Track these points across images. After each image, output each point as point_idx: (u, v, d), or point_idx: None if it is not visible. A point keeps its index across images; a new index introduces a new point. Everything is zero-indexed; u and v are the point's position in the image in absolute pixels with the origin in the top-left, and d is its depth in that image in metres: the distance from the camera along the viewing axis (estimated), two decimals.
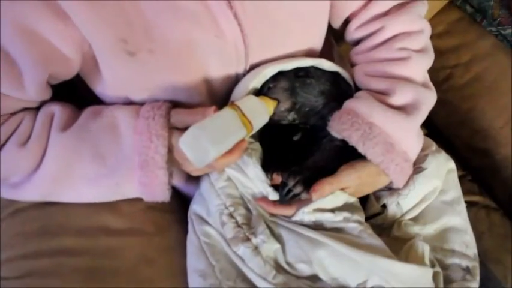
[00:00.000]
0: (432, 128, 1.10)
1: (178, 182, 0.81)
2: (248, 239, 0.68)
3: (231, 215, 0.71)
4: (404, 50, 0.75)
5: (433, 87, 0.77)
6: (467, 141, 1.09)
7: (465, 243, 0.75)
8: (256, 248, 0.68)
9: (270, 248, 0.67)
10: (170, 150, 0.67)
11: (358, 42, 0.82)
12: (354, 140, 0.68)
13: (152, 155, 0.67)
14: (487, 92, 1.08)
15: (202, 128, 0.59)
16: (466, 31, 1.15)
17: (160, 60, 0.66)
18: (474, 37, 1.14)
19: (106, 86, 0.72)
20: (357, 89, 0.77)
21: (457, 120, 1.10)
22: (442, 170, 0.78)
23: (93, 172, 0.69)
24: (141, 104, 0.71)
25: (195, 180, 0.80)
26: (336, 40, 1.01)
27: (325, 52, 0.85)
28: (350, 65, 0.84)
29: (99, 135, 0.69)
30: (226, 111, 0.63)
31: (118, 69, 0.68)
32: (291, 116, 0.72)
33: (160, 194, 0.70)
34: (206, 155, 0.59)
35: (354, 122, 0.68)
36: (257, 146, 0.75)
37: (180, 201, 0.83)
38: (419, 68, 0.76)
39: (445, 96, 0.93)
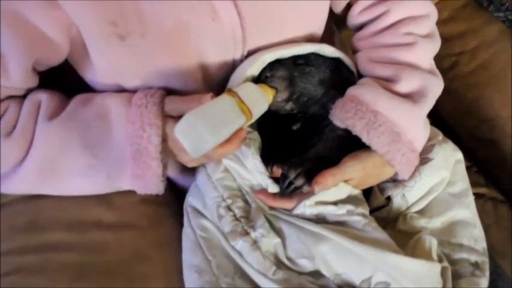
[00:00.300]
0: (436, 117, 1.08)
1: (173, 173, 0.79)
2: (247, 233, 0.66)
3: (228, 208, 0.69)
4: (410, 35, 0.73)
5: (439, 74, 0.75)
6: (473, 131, 1.07)
7: (474, 237, 0.73)
8: (255, 243, 0.66)
9: (270, 242, 0.66)
10: (164, 139, 0.65)
11: (361, 27, 0.80)
12: (358, 129, 0.66)
13: (145, 145, 0.64)
14: (494, 80, 1.05)
15: (198, 115, 0.56)
16: (472, 17, 1.13)
17: (152, 45, 0.64)
18: (481, 23, 1.12)
19: (96, 72, 0.70)
20: (360, 76, 0.76)
21: (462, 110, 1.08)
22: (450, 160, 0.76)
23: (82, 163, 0.67)
24: (134, 91, 0.69)
25: (191, 171, 0.78)
26: (337, 26, 1.00)
27: (326, 38, 0.83)
28: (352, 52, 0.82)
29: (89, 124, 0.67)
30: (224, 98, 0.61)
31: (108, 54, 0.65)
32: (289, 106, 0.70)
33: (154, 186, 0.68)
34: (203, 144, 0.56)
35: (358, 110, 0.66)
36: (256, 135, 0.73)
37: (176, 194, 0.81)
38: (425, 53, 0.74)
39: (450, 84, 0.91)
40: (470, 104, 1.07)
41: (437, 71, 0.76)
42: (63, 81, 0.75)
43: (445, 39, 0.80)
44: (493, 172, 1.04)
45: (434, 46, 0.76)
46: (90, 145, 0.66)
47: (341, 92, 0.70)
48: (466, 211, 0.74)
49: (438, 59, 0.77)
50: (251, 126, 0.72)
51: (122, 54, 0.65)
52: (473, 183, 0.84)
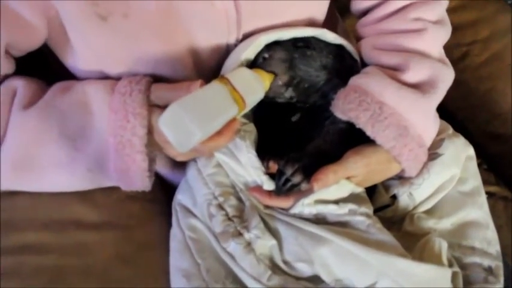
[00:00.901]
0: (443, 111, 1.04)
1: (163, 168, 0.76)
2: (240, 234, 0.63)
3: (220, 206, 0.66)
4: (420, 21, 0.70)
5: (450, 64, 0.72)
6: (484, 126, 1.03)
7: (486, 240, 0.70)
8: (249, 245, 0.63)
9: (265, 244, 0.63)
10: (150, 131, 0.61)
11: (366, 12, 0.76)
12: (362, 121, 0.63)
13: (129, 136, 0.61)
14: (507, 72, 1.01)
15: (185, 105, 0.52)
16: (484, 5, 1.09)
17: (136, 26, 0.60)
18: (493, 11, 1.08)
19: (78, 58, 0.66)
20: (364, 66, 0.73)
21: (473, 103, 1.04)
22: (461, 156, 0.73)
23: (61, 156, 0.63)
24: (119, 79, 0.65)
25: (181, 166, 0.74)
26: (340, 14, 0.97)
27: (329, 26, 0.78)
28: (356, 39, 0.79)
29: (68, 113, 0.63)
30: (215, 85, 0.57)
31: (89, 37, 0.62)
32: (288, 93, 0.67)
33: (139, 182, 0.64)
34: (190, 137, 0.52)
35: (362, 101, 0.63)
36: (251, 127, 0.69)
37: (165, 190, 0.77)
38: (435, 41, 0.71)
39: (460, 76, 0.87)
40: (481, 97, 1.03)
41: (447, 60, 0.73)
42: (48, 70, 0.72)
43: (455, 28, 0.77)
44: (505, 170, 1.01)
45: (444, 33, 0.73)
46: (69, 136, 0.62)
47: (344, 81, 0.68)
48: (478, 211, 0.72)
49: (447, 49, 0.74)
50: (246, 117, 0.69)
51: (104, 36, 0.61)
52: (483, 182, 0.81)
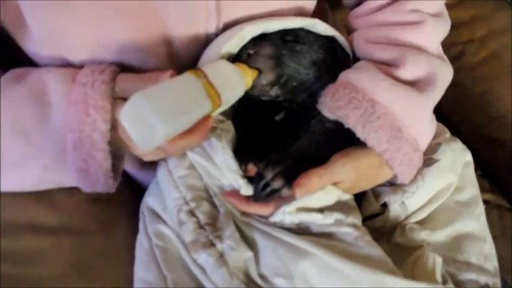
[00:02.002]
0: (436, 113, 1.03)
1: (131, 167, 0.72)
2: (212, 245, 0.59)
3: (191, 213, 0.61)
4: (417, 13, 0.67)
5: (448, 61, 0.69)
6: (479, 129, 1.02)
7: (484, 255, 0.66)
8: (221, 256, 0.58)
9: (240, 256, 0.58)
10: (114, 126, 0.57)
11: (359, 3, 0.73)
12: (352, 121, 0.59)
13: (89, 132, 0.56)
14: (505, 73, 1.00)
15: (148, 98, 0.47)
16: (482, 2, 1.08)
17: (99, 7, 0.55)
18: (491, 9, 1.07)
19: (36, 42, 0.62)
20: (355, 61, 0.69)
21: (468, 105, 1.03)
22: (458, 162, 0.69)
23: (13, 153, 0.58)
24: (82, 67, 0.61)
25: (152, 165, 0.70)
26: (331, 8, 0.97)
27: (318, 18, 0.75)
28: (348, 32, 0.75)
29: (22, 104, 0.58)
30: (187, 77, 0.52)
31: (46, 17, 0.57)
32: (274, 92, 0.64)
33: (102, 183, 0.60)
34: (153, 134, 0.47)
35: (352, 99, 0.60)
36: (229, 125, 0.66)
37: (134, 192, 0.74)
38: (434, 35, 0.68)
39: (456, 76, 0.86)
40: (477, 98, 1.02)
41: (445, 57, 0.70)
42: (7, 57, 0.67)
43: (451, 26, 0.74)
44: (500, 176, 0.99)
45: (443, 28, 0.70)
46: (23, 130, 0.58)
47: (335, 79, 0.65)
48: (475, 223, 0.68)
49: (442, 47, 0.71)
50: (224, 114, 0.65)
51: (63, 18, 0.56)
52: None
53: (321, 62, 0.65)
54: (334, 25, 0.88)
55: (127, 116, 0.47)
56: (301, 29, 0.65)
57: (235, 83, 0.57)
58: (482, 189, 0.90)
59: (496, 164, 1.00)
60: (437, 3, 0.69)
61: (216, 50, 0.61)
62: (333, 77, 0.64)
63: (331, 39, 0.67)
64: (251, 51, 0.61)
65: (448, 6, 0.99)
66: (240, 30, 0.61)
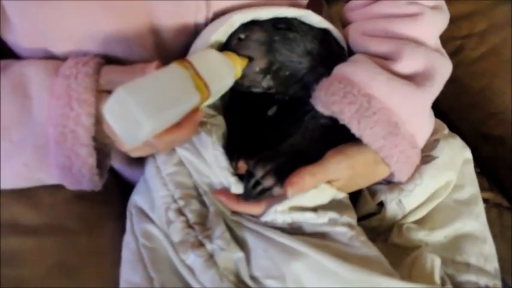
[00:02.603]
0: (434, 109, 1.03)
1: (118, 163, 0.71)
2: (201, 245, 0.58)
3: (180, 211, 0.60)
4: (415, 5, 0.66)
5: (446, 55, 0.68)
6: (478, 126, 1.01)
7: (483, 255, 0.65)
8: (211, 257, 0.57)
9: (230, 257, 0.57)
10: (98, 121, 0.55)
11: None
12: (347, 116, 0.58)
13: (72, 127, 0.55)
14: (504, 68, 1.00)
15: (133, 90, 0.46)
16: None
17: None
18: (491, 3, 1.06)
19: (18, 33, 0.60)
20: (351, 54, 0.68)
21: (466, 102, 1.03)
22: (457, 159, 0.69)
23: None
24: (66, 59, 0.59)
25: (140, 161, 0.69)
26: (326, 1, 0.95)
27: (313, 11, 0.73)
28: (343, 25, 0.74)
29: (2, 98, 0.56)
30: (173, 68, 0.51)
31: (27, 7, 0.55)
32: (266, 82, 0.62)
33: (87, 180, 0.58)
34: (138, 129, 0.45)
35: (347, 93, 0.58)
36: (220, 120, 0.64)
37: (121, 189, 0.72)
38: (432, 28, 0.67)
39: (454, 72, 0.82)
40: (476, 94, 1.01)
41: (444, 51, 0.69)
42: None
43: (450, 20, 0.74)
44: (499, 174, 0.98)
45: (442, 21, 0.69)
46: (3, 125, 0.56)
47: (330, 71, 0.63)
48: (475, 222, 0.67)
49: (441, 41, 0.71)
50: (215, 108, 0.64)
51: (44, 7, 0.55)
52: None
53: (315, 53, 0.64)
54: (329, 19, 0.87)
55: (111, 110, 0.46)
56: (295, 19, 0.64)
57: (224, 72, 0.55)
58: (481, 188, 0.90)
59: (496, 161, 0.99)
60: None
61: (204, 39, 0.60)
62: (327, 70, 0.63)
63: (325, 32, 0.66)
64: (242, 36, 0.60)
65: (447, 0, 1.00)
66: (230, 18, 0.60)
